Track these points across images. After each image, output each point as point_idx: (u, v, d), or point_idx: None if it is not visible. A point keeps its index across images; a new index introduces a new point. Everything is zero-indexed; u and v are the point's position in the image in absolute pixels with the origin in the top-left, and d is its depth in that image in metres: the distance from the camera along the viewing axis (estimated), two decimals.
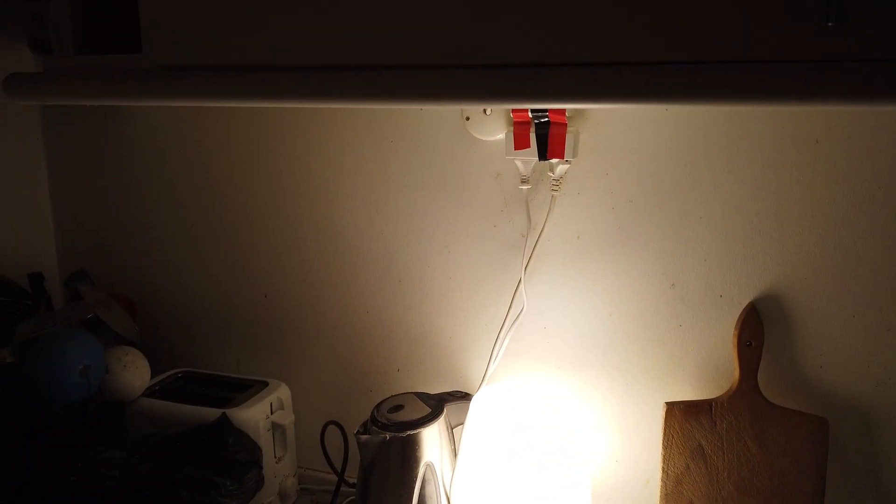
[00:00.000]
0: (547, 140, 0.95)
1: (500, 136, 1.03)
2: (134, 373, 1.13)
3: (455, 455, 1.05)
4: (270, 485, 1.13)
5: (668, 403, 0.99)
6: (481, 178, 1.08)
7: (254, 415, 1.11)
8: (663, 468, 0.99)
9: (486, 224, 1.09)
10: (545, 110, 0.93)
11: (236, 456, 1.05)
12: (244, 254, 1.25)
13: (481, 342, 1.13)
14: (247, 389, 1.18)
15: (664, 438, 0.99)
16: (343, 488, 1.14)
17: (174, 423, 1.09)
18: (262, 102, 0.96)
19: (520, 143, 0.98)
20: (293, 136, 1.17)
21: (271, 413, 1.14)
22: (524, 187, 1.02)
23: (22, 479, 0.99)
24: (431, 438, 1.01)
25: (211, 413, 1.09)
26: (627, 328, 1.05)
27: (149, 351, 1.21)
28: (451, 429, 1.06)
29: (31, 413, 1.11)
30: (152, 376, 1.19)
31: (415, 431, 1.00)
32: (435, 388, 1.11)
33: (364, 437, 1.00)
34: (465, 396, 1.09)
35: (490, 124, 1.02)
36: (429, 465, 1.00)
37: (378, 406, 1.05)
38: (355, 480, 1.08)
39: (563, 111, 0.93)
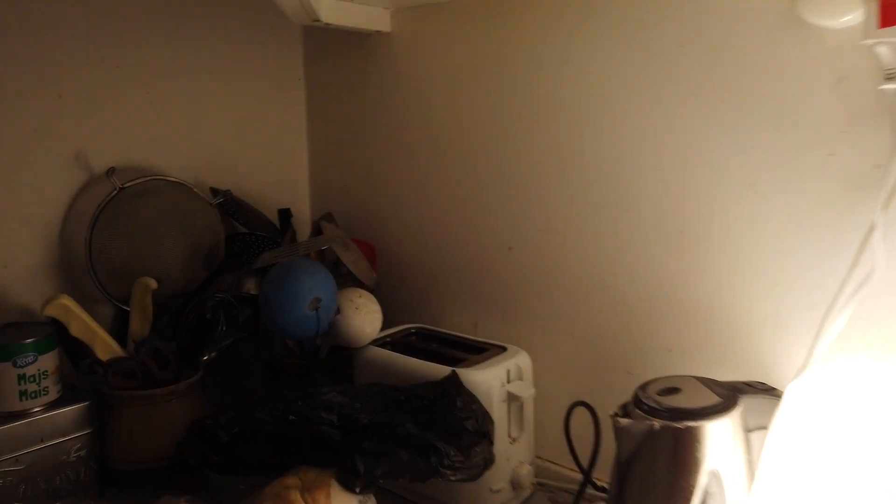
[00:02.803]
0: None
1: (851, 16, 0.71)
2: (365, 317, 1.03)
3: (752, 468, 0.75)
4: (502, 468, 0.93)
5: None
6: (812, 87, 0.77)
7: (487, 378, 0.93)
8: None
9: (815, 152, 0.78)
10: None
11: (464, 423, 0.87)
12: (490, 203, 1.09)
13: (798, 319, 0.81)
14: (482, 352, 1.01)
15: None
16: (589, 490, 0.91)
17: (401, 377, 0.96)
18: None
19: (891, 16, 0.66)
20: (547, 61, 0.98)
21: (508, 381, 0.95)
22: (889, 86, 0.70)
23: (250, 411, 0.93)
24: (720, 437, 0.73)
25: (441, 372, 0.93)
26: None
27: (383, 301, 1.10)
28: (748, 432, 0.77)
29: (266, 345, 1.08)
30: (384, 328, 1.08)
31: (696, 423, 0.72)
32: (723, 377, 0.82)
33: (624, 421, 0.76)
34: (769, 390, 0.78)
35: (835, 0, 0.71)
36: (714, 475, 0.72)
37: (644, 386, 0.80)
38: (605, 484, 0.85)
39: None
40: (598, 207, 0.97)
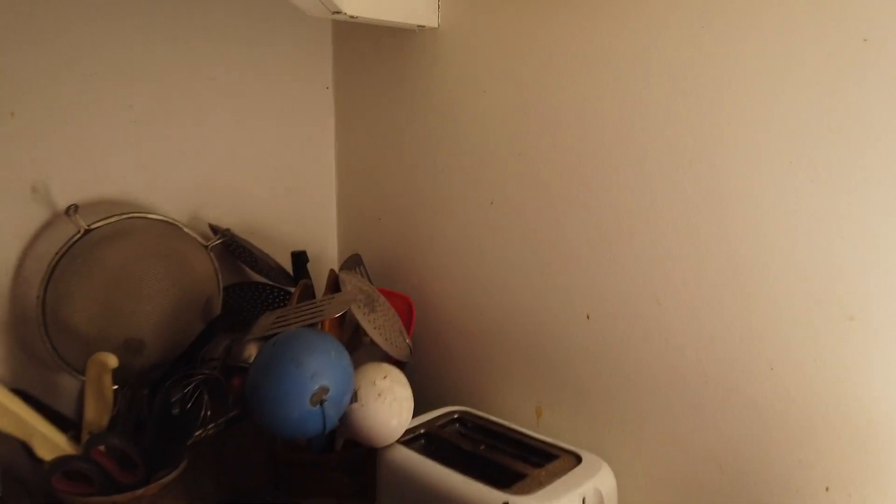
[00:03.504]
0: None
1: None
2: (391, 407, 0.77)
3: None
4: None
5: None
6: None
7: None
8: None
9: None
10: None
11: None
12: (564, 252, 0.81)
13: None
14: (547, 462, 0.74)
15: None
16: None
17: (435, 496, 0.71)
18: None
19: None
20: (658, 63, 0.70)
21: None
22: None
23: None
24: None
25: (490, 499, 0.67)
26: None
27: (420, 373, 0.85)
28: None
29: (267, 432, 0.84)
30: (419, 412, 0.83)
31: None
32: None
33: None
34: None
35: None
36: None
37: None
38: None
39: None
40: (721, 271, 0.67)
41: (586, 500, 0.69)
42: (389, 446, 0.78)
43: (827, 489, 0.63)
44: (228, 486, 0.88)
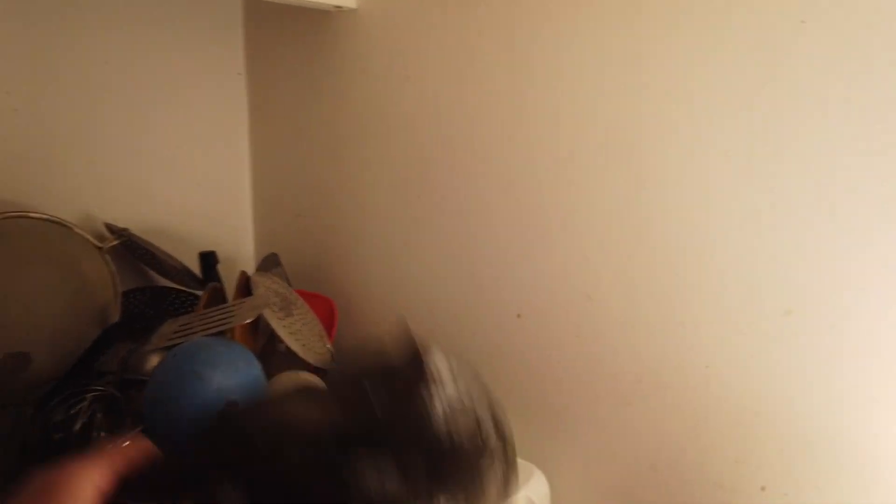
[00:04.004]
0: None
1: None
2: None
3: None
4: None
5: None
6: None
7: None
8: None
9: None
10: None
11: None
12: (493, 246, 0.77)
13: None
14: None
15: None
16: None
17: None
18: None
19: None
20: (591, 49, 0.66)
21: None
22: None
23: None
24: None
25: None
26: None
27: None
28: None
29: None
30: None
31: None
32: None
33: None
34: None
35: None
36: None
37: None
38: None
39: None
40: (653, 266, 0.65)
41: None
42: None
43: (763, 489, 0.61)
44: None
